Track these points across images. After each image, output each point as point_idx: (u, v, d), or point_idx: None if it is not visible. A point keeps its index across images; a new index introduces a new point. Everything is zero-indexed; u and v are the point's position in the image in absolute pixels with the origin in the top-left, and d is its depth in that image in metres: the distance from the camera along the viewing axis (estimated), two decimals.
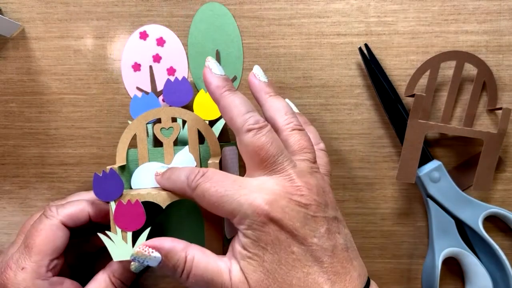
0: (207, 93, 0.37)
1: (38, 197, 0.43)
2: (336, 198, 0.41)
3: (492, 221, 0.41)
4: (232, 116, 0.31)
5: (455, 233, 0.39)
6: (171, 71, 0.41)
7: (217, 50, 0.41)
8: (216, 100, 0.32)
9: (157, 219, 0.37)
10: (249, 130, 0.30)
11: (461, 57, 0.39)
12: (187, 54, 0.41)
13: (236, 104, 0.31)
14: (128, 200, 0.33)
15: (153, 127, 0.37)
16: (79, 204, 0.36)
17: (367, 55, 0.40)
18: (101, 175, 0.33)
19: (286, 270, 0.29)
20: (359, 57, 0.40)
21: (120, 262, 0.35)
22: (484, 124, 0.40)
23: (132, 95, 0.41)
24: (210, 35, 0.41)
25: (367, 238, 0.42)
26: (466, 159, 0.41)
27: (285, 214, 0.29)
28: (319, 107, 0.41)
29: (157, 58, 0.41)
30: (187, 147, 0.36)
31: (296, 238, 0.29)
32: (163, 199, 0.33)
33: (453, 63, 0.39)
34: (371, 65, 0.39)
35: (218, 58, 0.41)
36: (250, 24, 0.41)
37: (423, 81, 0.39)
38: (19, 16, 0.41)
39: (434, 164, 0.39)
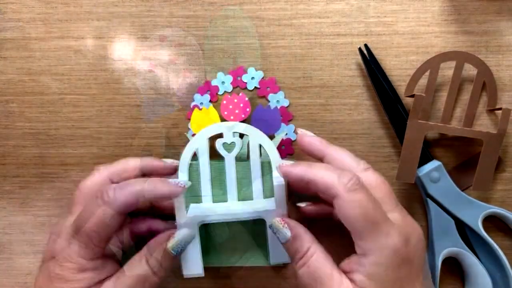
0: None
1: (38, 197, 0.43)
2: None
3: (492, 221, 0.41)
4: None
5: (455, 233, 0.39)
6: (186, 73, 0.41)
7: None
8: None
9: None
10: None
11: (461, 57, 0.39)
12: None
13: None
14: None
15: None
16: (137, 191, 0.33)
17: (367, 55, 0.40)
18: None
19: None
20: (359, 57, 0.40)
21: (157, 241, 0.35)
22: (484, 124, 0.40)
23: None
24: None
25: None
26: (466, 159, 0.41)
27: None
28: (319, 107, 0.41)
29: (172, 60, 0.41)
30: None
31: None
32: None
33: (453, 63, 0.39)
34: (371, 65, 0.39)
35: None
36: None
37: (423, 81, 0.39)
38: (19, 16, 0.41)
39: (434, 164, 0.39)
